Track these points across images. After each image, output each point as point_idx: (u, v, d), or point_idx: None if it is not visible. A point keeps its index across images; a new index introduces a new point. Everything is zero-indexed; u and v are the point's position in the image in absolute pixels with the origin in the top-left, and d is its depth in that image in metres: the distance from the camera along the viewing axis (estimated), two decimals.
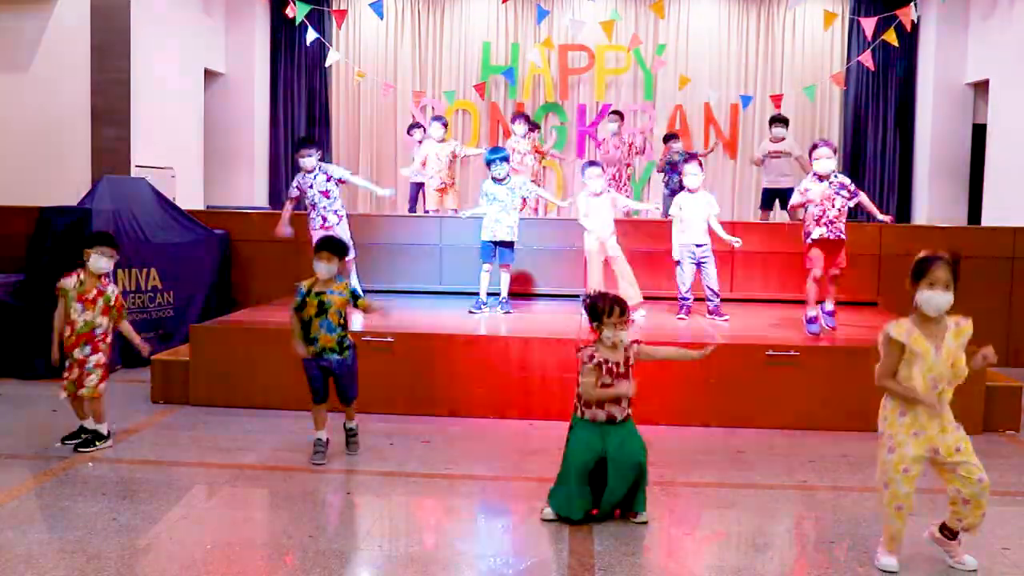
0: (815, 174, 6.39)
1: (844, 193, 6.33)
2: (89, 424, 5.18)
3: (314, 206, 7.11)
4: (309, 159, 7.03)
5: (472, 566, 3.76)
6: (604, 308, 4.07)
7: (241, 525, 4.20)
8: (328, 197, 7.09)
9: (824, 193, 6.30)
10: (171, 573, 3.56)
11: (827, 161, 6.33)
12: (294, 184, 7.20)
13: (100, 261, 5.09)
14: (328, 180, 7.07)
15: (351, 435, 5.18)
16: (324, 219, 7.07)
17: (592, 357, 4.07)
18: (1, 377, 7.00)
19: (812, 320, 6.40)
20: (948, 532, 3.73)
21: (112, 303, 5.13)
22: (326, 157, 13.25)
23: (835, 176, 6.40)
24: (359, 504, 4.53)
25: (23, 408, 6.18)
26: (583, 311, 4.23)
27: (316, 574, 3.56)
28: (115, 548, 3.74)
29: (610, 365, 4.07)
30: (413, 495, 4.66)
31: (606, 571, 3.64)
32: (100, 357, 5.12)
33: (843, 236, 6.36)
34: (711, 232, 7.04)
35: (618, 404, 4.11)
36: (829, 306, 6.56)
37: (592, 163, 7.29)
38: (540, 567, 3.73)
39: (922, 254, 3.61)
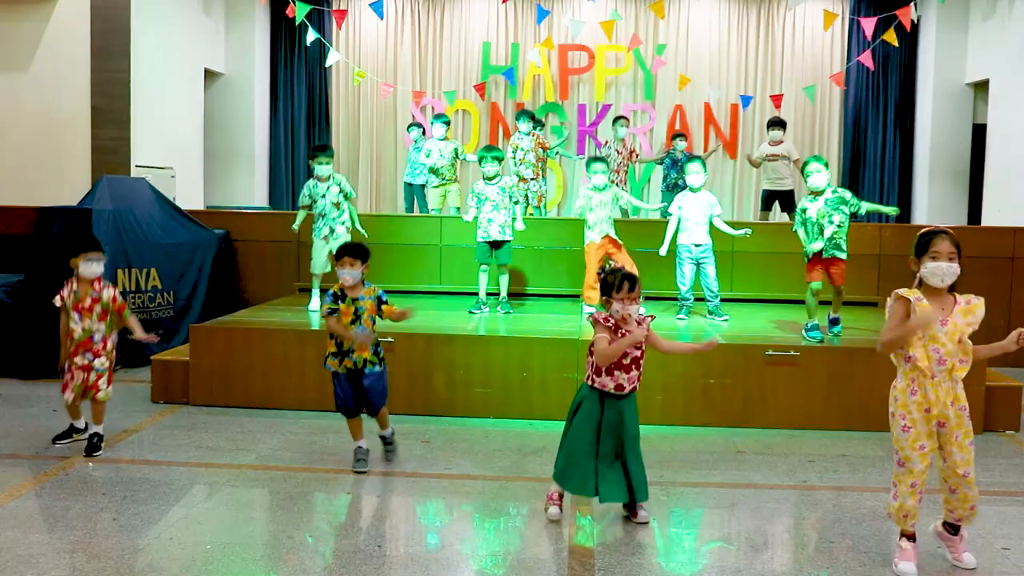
0: (810, 191, 6.33)
1: (843, 208, 6.22)
2: (80, 425, 5.28)
3: (322, 215, 7.06)
4: (326, 167, 6.98)
5: (472, 566, 3.76)
6: (613, 282, 4.07)
7: (241, 525, 4.20)
8: (338, 208, 7.06)
9: (820, 211, 6.24)
10: (171, 573, 3.56)
11: (820, 175, 6.23)
12: (306, 192, 7.10)
13: (91, 267, 5.08)
14: (339, 192, 7.06)
15: (387, 443, 5.08)
16: (332, 230, 7.04)
17: (608, 319, 4.06)
18: (1, 377, 7.00)
19: (813, 328, 6.35)
20: (950, 528, 3.75)
21: (109, 307, 5.13)
22: None
23: (832, 191, 6.27)
24: (359, 504, 4.52)
25: (23, 408, 6.18)
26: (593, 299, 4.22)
27: (316, 574, 3.57)
28: (115, 548, 3.75)
29: (624, 332, 4.03)
30: (413, 495, 4.66)
31: (606, 571, 3.64)
32: (104, 361, 5.15)
33: (840, 255, 6.27)
34: (716, 231, 7.03)
35: (628, 373, 4.06)
36: (833, 314, 6.50)
37: (596, 158, 7.31)
38: (540, 567, 3.73)
39: (923, 230, 3.65)
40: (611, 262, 6.88)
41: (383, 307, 4.82)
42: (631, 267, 7.09)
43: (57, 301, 5.11)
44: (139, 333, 5.19)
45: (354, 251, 4.83)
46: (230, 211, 9.78)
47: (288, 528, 4.05)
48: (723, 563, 3.79)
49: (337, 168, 13.05)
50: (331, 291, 4.83)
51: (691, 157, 7.39)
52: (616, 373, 4.07)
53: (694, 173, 7.07)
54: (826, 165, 6.35)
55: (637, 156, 10.64)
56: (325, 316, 4.82)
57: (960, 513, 3.67)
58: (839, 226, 6.25)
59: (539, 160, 9.99)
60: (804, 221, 6.35)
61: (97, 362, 5.11)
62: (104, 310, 5.12)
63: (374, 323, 4.84)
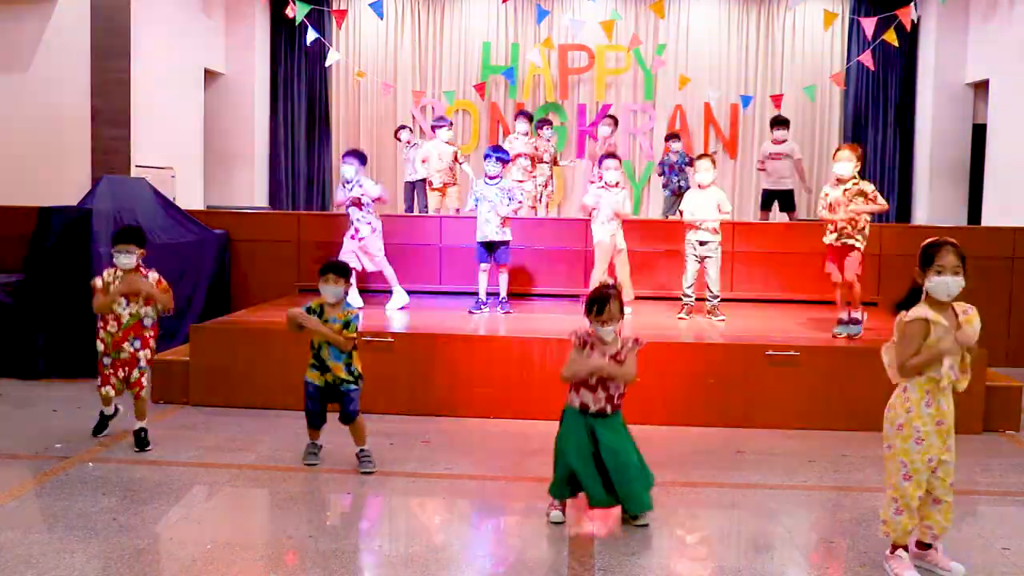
0: (836, 178, 6.31)
1: (860, 200, 6.15)
2: (110, 411, 5.35)
3: (348, 214, 7.24)
4: (348, 168, 7.15)
5: (472, 566, 3.76)
6: (588, 303, 4.07)
7: (241, 525, 4.20)
8: (360, 208, 7.17)
9: (838, 199, 6.22)
10: (171, 573, 3.56)
11: (844, 164, 6.19)
12: (338, 190, 7.35)
13: (121, 259, 5.09)
14: (364, 193, 7.15)
15: (363, 456, 4.94)
16: (357, 230, 7.20)
17: (583, 340, 4.06)
18: (1, 377, 7.00)
19: (839, 322, 6.42)
20: (921, 545, 3.70)
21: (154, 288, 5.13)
22: (326, 158, 13.28)
23: (853, 182, 6.18)
24: (359, 504, 4.53)
25: (23, 408, 6.18)
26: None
27: (316, 574, 3.56)
28: (115, 548, 3.75)
29: (594, 353, 4.04)
30: (413, 495, 4.66)
31: (606, 571, 3.64)
32: (148, 353, 5.20)
33: (854, 243, 6.23)
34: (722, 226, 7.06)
35: (593, 393, 4.06)
36: (855, 314, 6.44)
37: (610, 155, 7.31)
38: (540, 567, 3.73)
39: (928, 240, 3.59)
40: (607, 278, 6.86)
41: (343, 331, 4.75)
42: (624, 276, 7.12)
43: (98, 282, 5.11)
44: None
45: (339, 269, 4.83)
46: (230, 211, 9.78)
47: (288, 528, 4.05)
48: (723, 563, 3.79)
49: (336, 167, 13.19)
50: (307, 305, 4.81)
51: (701, 155, 7.39)
52: (581, 391, 4.07)
53: (703, 171, 7.07)
54: (857, 156, 6.26)
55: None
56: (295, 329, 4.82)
57: (941, 526, 3.62)
58: (854, 216, 6.19)
59: (535, 162, 10.00)
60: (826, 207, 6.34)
61: (143, 354, 5.15)
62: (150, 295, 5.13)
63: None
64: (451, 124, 10.27)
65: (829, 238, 6.37)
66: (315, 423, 4.96)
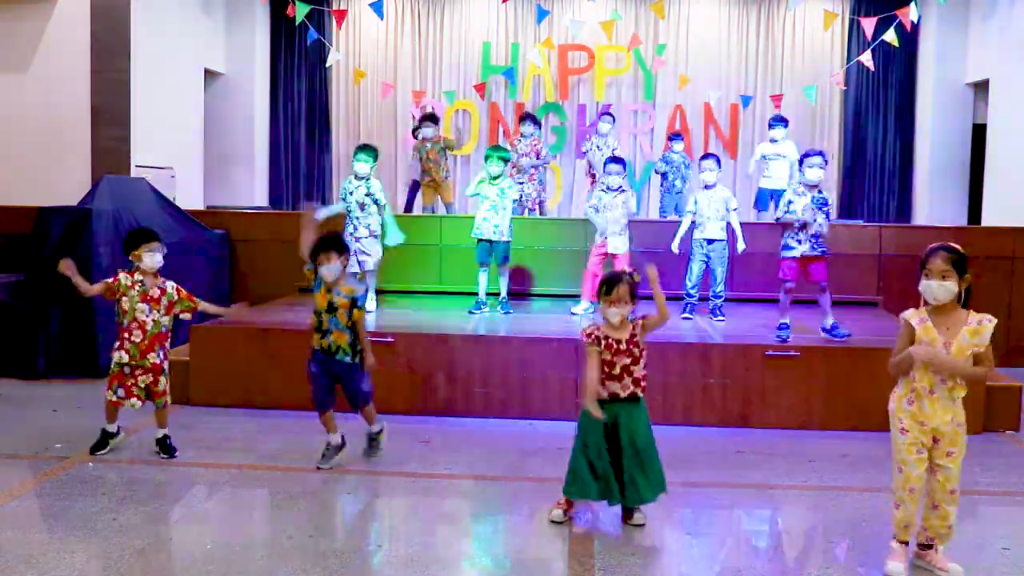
0: (802, 184, 6.24)
1: (826, 210, 6.14)
2: (113, 429, 5.13)
3: (348, 212, 7.15)
4: (364, 165, 7.05)
5: (472, 566, 3.76)
6: (600, 285, 4.15)
7: (241, 525, 4.20)
8: (363, 210, 7.09)
9: (806, 207, 6.14)
10: (171, 573, 3.56)
11: (818, 170, 6.14)
12: (342, 188, 7.28)
13: (155, 257, 4.95)
14: (367, 195, 7.08)
15: (372, 439, 4.99)
16: (355, 228, 7.09)
17: (591, 335, 4.07)
18: (1, 377, 7.00)
19: (782, 327, 6.26)
20: (922, 545, 3.71)
21: (176, 298, 5.02)
22: (327, 158, 13.27)
23: (819, 191, 6.18)
24: (359, 504, 4.53)
25: (23, 408, 6.18)
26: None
27: (316, 574, 3.56)
28: (115, 548, 3.75)
29: (611, 341, 4.05)
30: (413, 495, 4.66)
31: (606, 571, 3.64)
32: (167, 363, 5.07)
33: (826, 252, 6.18)
34: (728, 227, 7.04)
35: (620, 381, 4.06)
36: (828, 322, 6.29)
37: (614, 159, 7.30)
38: (540, 567, 3.73)
39: (931, 245, 3.61)
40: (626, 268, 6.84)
41: (354, 311, 4.76)
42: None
43: (111, 279, 4.93)
44: (217, 308, 5.33)
45: (332, 244, 4.77)
46: (230, 211, 9.77)
47: (288, 528, 4.05)
48: (723, 563, 3.79)
49: (336, 167, 13.20)
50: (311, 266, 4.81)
51: (705, 155, 7.38)
52: (607, 383, 4.07)
53: (708, 170, 7.08)
54: (826, 162, 6.28)
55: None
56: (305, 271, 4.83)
57: (936, 531, 3.64)
58: (820, 224, 6.14)
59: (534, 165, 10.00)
60: (786, 214, 6.24)
61: (165, 364, 5.03)
62: (169, 302, 5.00)
63: (350, 319, 4.75)
64: (436, 120, 10.31)
65: (800, 249, 6.18)
66: (320, 404, 4.85)
